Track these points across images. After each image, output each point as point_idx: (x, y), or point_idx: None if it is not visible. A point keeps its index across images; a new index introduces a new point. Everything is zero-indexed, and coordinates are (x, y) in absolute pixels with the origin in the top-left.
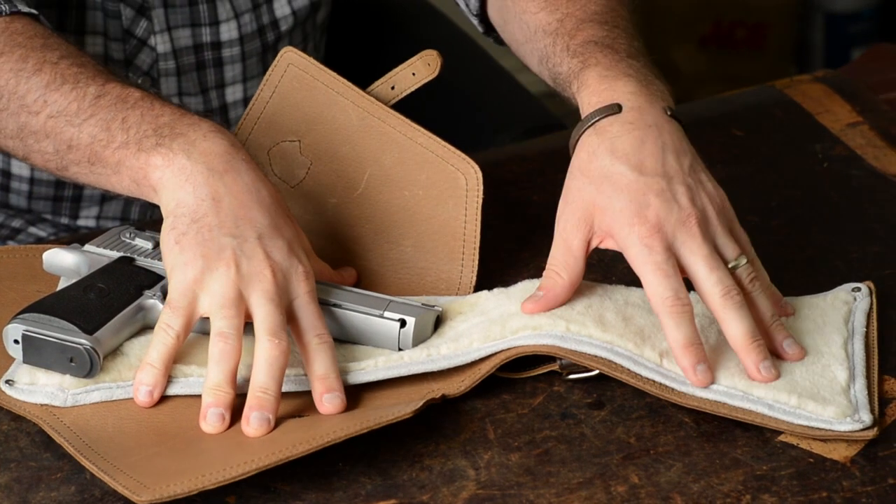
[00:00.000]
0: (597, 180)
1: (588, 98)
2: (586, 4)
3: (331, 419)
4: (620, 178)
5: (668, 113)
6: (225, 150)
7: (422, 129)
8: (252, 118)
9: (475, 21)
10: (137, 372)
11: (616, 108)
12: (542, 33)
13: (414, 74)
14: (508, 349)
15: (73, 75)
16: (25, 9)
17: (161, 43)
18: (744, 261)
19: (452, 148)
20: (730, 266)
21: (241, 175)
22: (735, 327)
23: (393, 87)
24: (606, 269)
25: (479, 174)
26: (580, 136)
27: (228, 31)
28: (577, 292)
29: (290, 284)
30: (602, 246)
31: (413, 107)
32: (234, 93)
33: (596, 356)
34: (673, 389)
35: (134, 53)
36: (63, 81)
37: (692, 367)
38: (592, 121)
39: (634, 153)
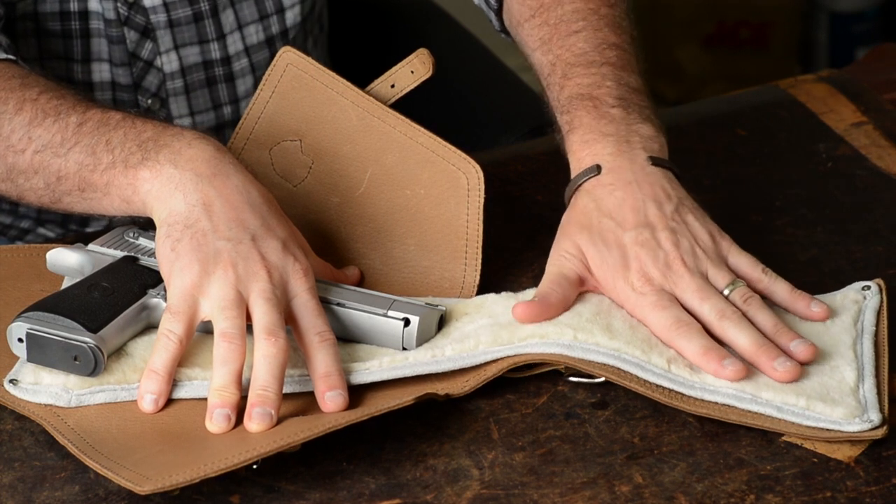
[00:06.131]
0: (588, 229)
1: (574, 164)
2: (574, 43)
3: (333, 414)
4: (608, 234)
5: (651, 162)
6: (211, 156)
7: (422, 129)
8: (252, 117)
9: (492, 16)
10: (142, 380)
11: (595, 171)
12: (539, 73)
13: (412, 72)
14: (515, 356)
15: (53, 108)
16: (2, 55)
17: (167, 63)
18: (740, 284)
19: (453, 147)
20: (724, 293)
21: (230, 178)
22: (740, 339)
23: (393, 86)
24: None
25: (481, 174)
26: (571, 195)
27: (234, 44)
28: (585, 301)
29: (287, 283)
30: (595, 293)
31: (418, 106)
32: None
33: (604, 364)
34: (682, 395)
35: (141, 76)
36: (45, 116)
37: (719, 365)
38: (578, 182)
39: (617, 210)
